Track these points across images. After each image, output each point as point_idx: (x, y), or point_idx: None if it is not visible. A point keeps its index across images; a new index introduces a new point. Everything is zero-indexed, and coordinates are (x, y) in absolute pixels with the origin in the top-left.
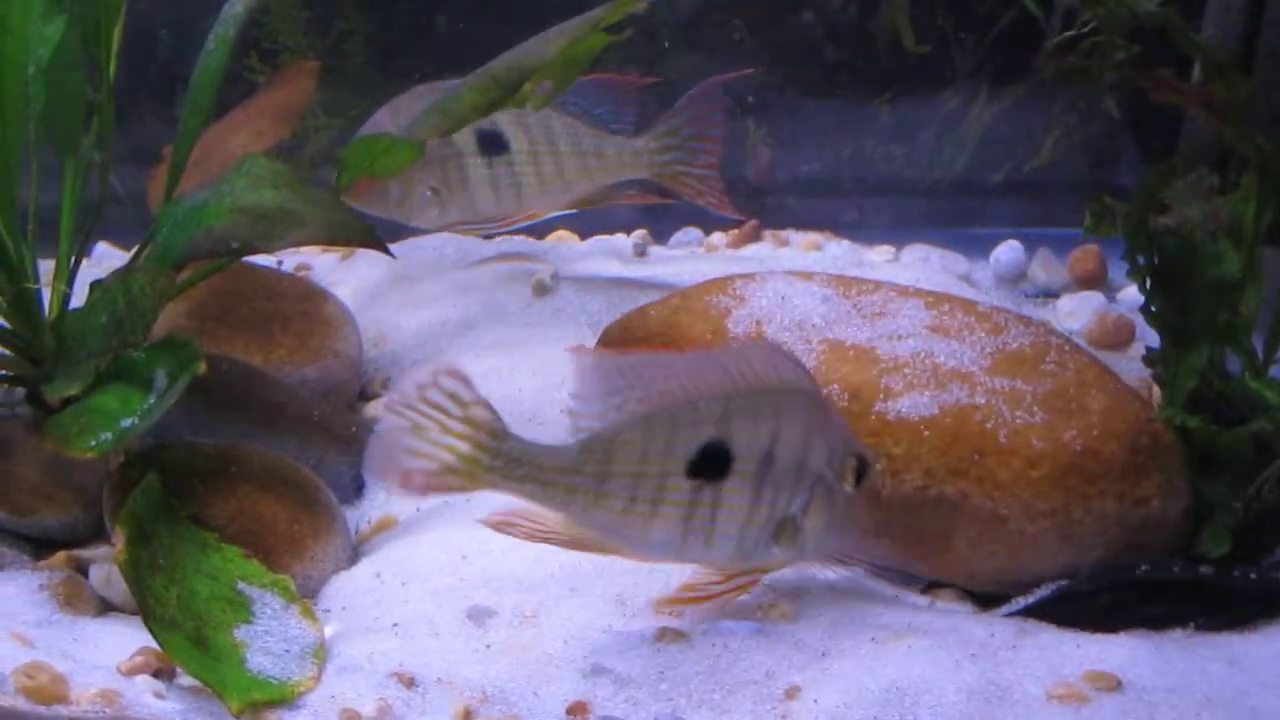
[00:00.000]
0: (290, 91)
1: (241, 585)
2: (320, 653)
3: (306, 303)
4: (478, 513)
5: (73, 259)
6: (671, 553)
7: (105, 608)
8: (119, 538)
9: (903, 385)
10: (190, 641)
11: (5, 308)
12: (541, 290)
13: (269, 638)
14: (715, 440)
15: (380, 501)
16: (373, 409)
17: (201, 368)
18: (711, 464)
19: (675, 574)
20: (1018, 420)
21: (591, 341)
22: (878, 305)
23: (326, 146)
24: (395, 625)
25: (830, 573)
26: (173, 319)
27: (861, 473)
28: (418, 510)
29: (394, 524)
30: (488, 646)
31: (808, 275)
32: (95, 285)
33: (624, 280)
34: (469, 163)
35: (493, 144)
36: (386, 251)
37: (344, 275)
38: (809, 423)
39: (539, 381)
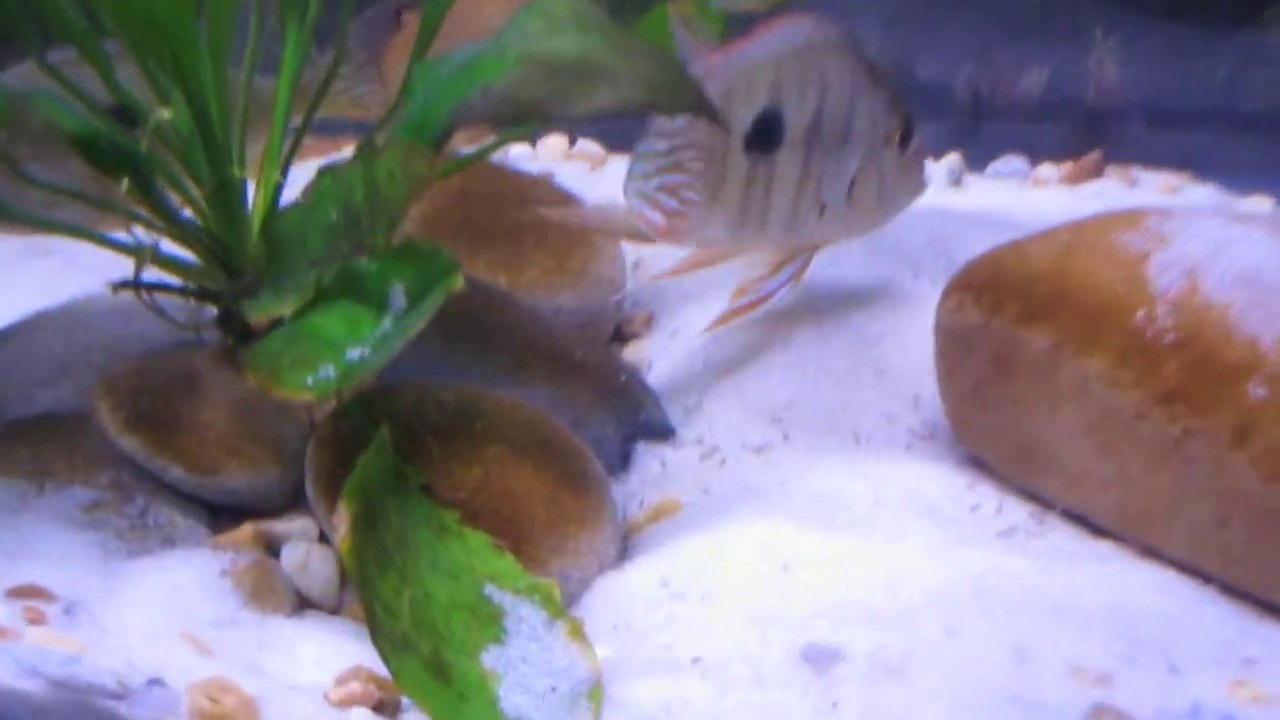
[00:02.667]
0: None
1: (490, 589)
2: (597, 695)
3: None
4: (793, 502)
5: (289, 142)
6: (730, 234)
7: (301, 603)
8: (343, 517)
9: None
10: (427, 669)
11: (204, 202)
12: None
13: (527, 668)
14: (769, 109)
15: (655, 476)
16: (632, 353)
17: (458, 283)
18: (766, 135)
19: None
20: None
21: (912, 285)
22: None
23: None
24: (697, 660)
25: None
26: (402, 230)
27: (907, 135)
28: (705, 493)
29: (676, 509)
30: (835, 706)
31: (1241, 219)
32: (324, 171)
33: (943, 213)
34: None
35: None
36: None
37: (593, 188)
38: (854, 86)
39: (849, 338)
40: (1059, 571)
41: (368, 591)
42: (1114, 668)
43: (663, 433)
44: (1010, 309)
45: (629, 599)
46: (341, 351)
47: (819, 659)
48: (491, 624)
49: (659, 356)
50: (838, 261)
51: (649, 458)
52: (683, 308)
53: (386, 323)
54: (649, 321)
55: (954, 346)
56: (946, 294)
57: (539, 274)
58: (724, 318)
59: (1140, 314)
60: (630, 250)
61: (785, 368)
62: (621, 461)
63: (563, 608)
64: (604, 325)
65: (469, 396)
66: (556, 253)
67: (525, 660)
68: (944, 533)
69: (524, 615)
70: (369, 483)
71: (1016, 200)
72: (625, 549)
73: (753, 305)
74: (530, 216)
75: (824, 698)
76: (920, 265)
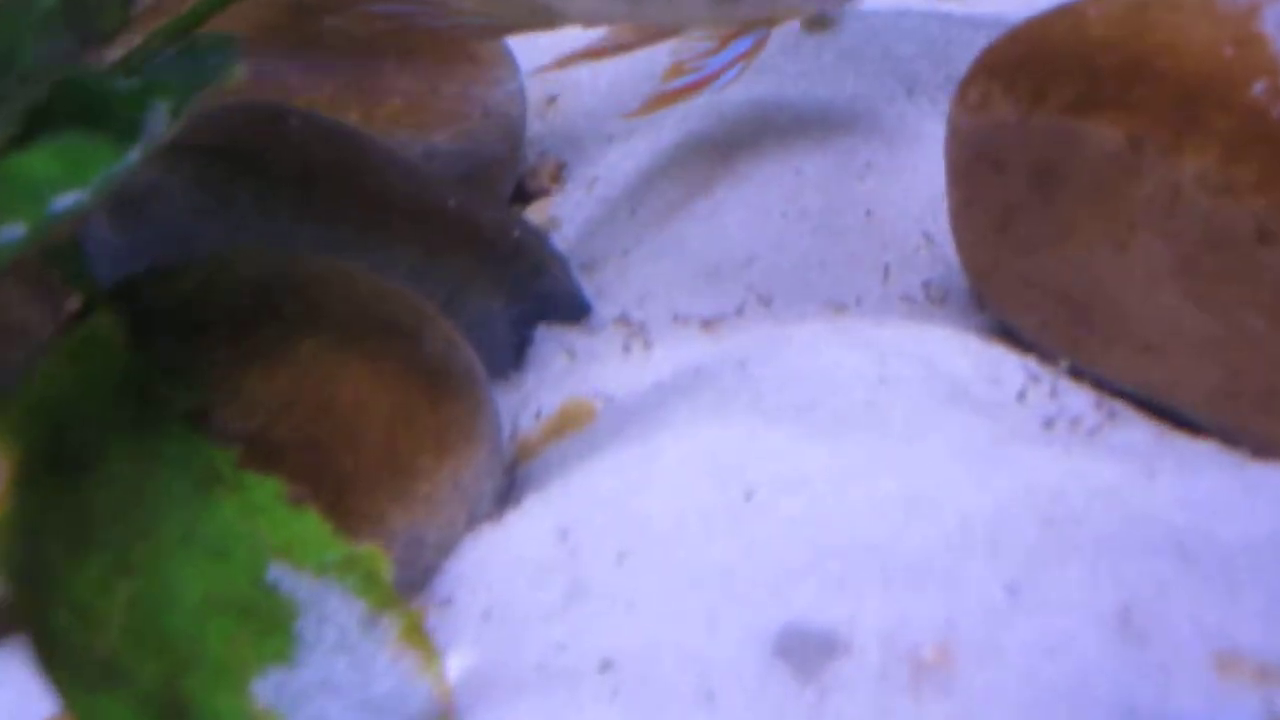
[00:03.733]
0: None
1: (278, 571)
2: None
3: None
4: (758, 391)
5: None
6: (628, 5)
7: None
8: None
9: None
10: (147, 711)
11: None
12: (819, 24)
13: (329, 699)
14: None
15: (559, 372)
16: (538, 212)
17: (236, 74)
18: None
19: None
20: None
21: (905, 104)
22: None
23: None
24: (606, 665)
25: None
26: None
27: None
28: (629, 390)
29: (588, 417)
30: None
31: None
32: None
33: (943, 16)
34: None
35: None
36: None
37: None
38: None
39: (828, 169)
40: (1170, 484)
41: (37, 586)
42: None
43: (573, 310)
44: (1060, 94)
45: (509, 567)
46: (45, 201)
47: (804, 653)
48: (275, 629)
49: (573, 214)
50: (807, 73)
51: (552, 346)
52: (603, 154)
53: (133, 154)
54: (559, 173)
55: (975, 162)
56: (965, 84)
57: (402, 106)
58: (653, 101)
59: (1259, 86)
60: (536, 83)
61: (743, 210)
62: (514, 353)
63: (395, 592)
64: (498, 176)
65: (280, 270)
66: (428, 77)
67: (327, 685)
68: (985, 427)
69: (330, 610)
70: (62, 407)
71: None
72: (512, 485)
73: (692, 88)
74: (391, 30)
75: None
76: (915, 79)
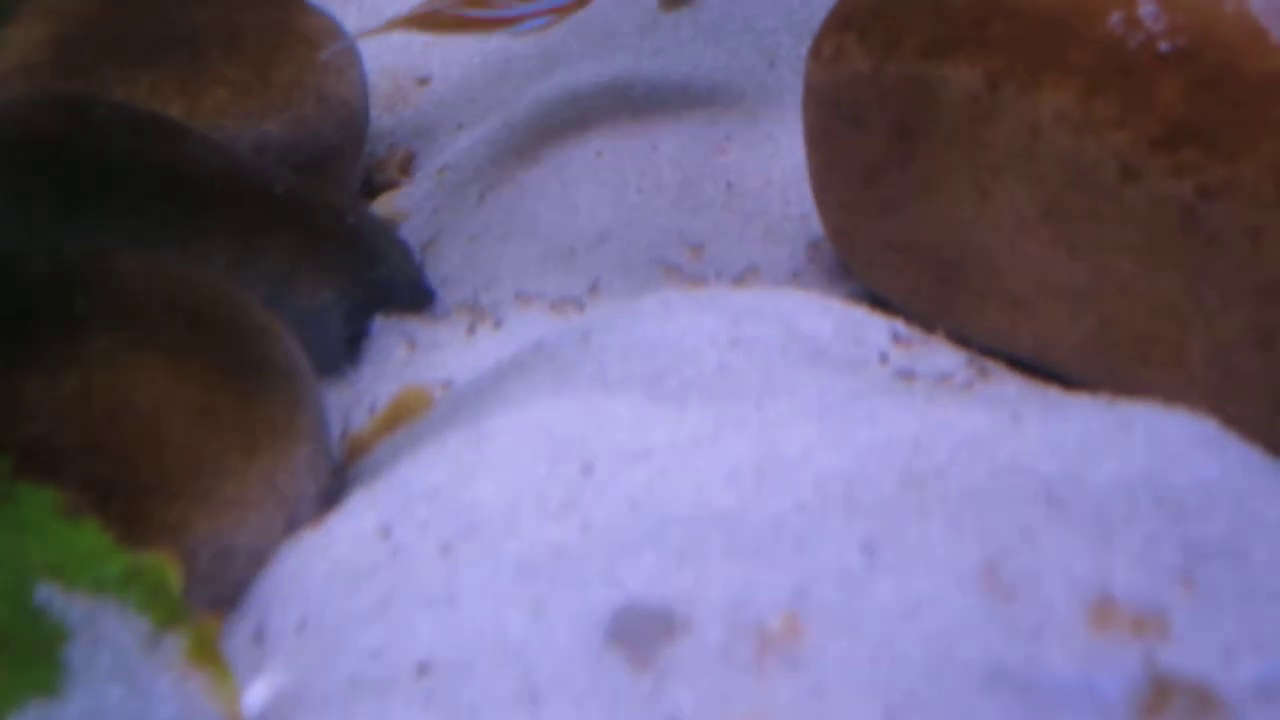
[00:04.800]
0: None
1: (48, 592)
2: None
3: (269, 9)
4: (603, 362)
5: None
6: None
7: None
8: None
9: None
10: None
11: None
12: (677, 1)
13: None
14: None
15: (398, 364)
16: (385, 205)
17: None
18: None
19: None
20: None
21: (767, 76)
22: None
23: None
24: (423, 669)
25: None
26: (21, 58)
27: None
28: (469, 374)
29: (425, 405)
30: None
31: None
32: None
33: None
34: None
35: None
36: None
37: None
38: None
39: (685, 143)
40: (1038, 430)
41: None
42: (1166, 600)
43: (415, 299)
44: (916, 39)
45: (327, 572)
46: None
47: (639, 636)
48: (40, 658)
49: (421, 204)
50: (665, 49)
51: (392, 337)
52: (453, 141)
53: None
54: (408, 164)
55: (833, 120)
56: (819, 39)
57: (229, 95)
58: (425, 17)
59: (1115, 18)
60: (384, 77)
61: (596, 188)
62: (349, 346)
63: (184, 606)
64: (339, 167)
65: (73, 266)
66: (256, 64)
67: (98, 717)
68: (845, 386)
69: (106, 632)
70: None
71: None
72: (343, 486)
73: (486, 24)
74: (218, 15)
75: (648, 713)
76: (777, 51)
